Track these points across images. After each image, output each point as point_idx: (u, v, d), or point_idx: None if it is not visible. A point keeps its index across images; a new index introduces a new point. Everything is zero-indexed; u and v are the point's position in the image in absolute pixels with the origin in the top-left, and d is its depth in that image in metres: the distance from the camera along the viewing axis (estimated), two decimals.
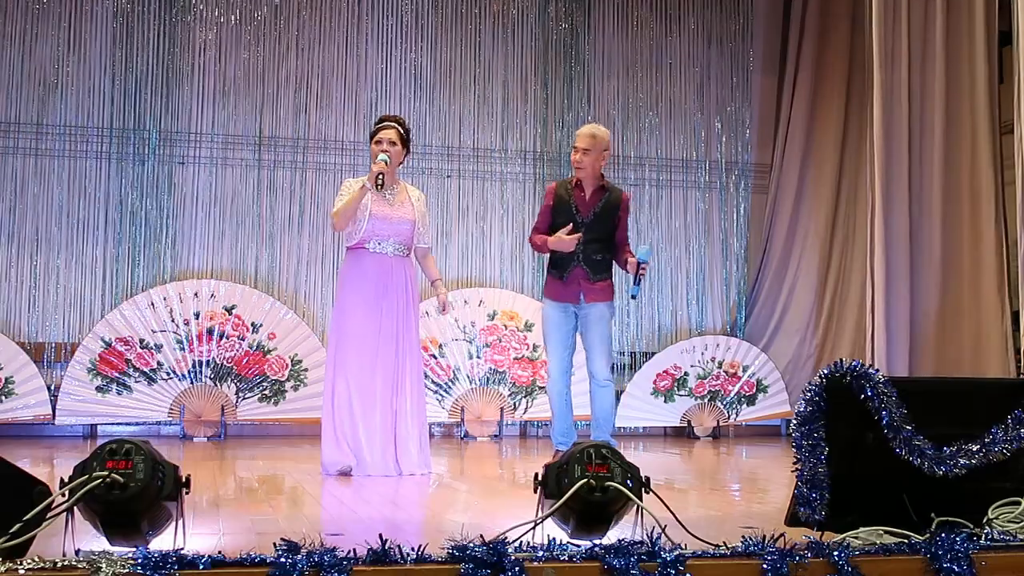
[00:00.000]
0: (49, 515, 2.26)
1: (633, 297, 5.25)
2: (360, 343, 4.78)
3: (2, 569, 2.02)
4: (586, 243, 5.17)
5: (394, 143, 4.83)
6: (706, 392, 7.96)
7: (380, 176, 4.71)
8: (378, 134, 4.86)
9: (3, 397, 6.78)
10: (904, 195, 6.14)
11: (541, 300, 5.57)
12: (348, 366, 4.78)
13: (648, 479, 2.46)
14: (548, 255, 5.35)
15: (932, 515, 2.58)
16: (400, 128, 4.90)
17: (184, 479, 2.38)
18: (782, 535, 2.32)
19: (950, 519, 2.57)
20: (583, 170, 5.23)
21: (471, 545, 2.13)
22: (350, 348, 4.79)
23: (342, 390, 4.78)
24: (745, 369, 8.02)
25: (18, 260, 7.18)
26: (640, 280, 5.12)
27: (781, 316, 8.20)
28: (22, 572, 2.01)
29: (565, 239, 5.11)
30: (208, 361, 7.11)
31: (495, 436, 7.56)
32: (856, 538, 2.45)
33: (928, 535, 2.43)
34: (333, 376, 4.82)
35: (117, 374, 6.95)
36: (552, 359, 5.27)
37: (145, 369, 7.00)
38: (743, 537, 2.33)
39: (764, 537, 2.30)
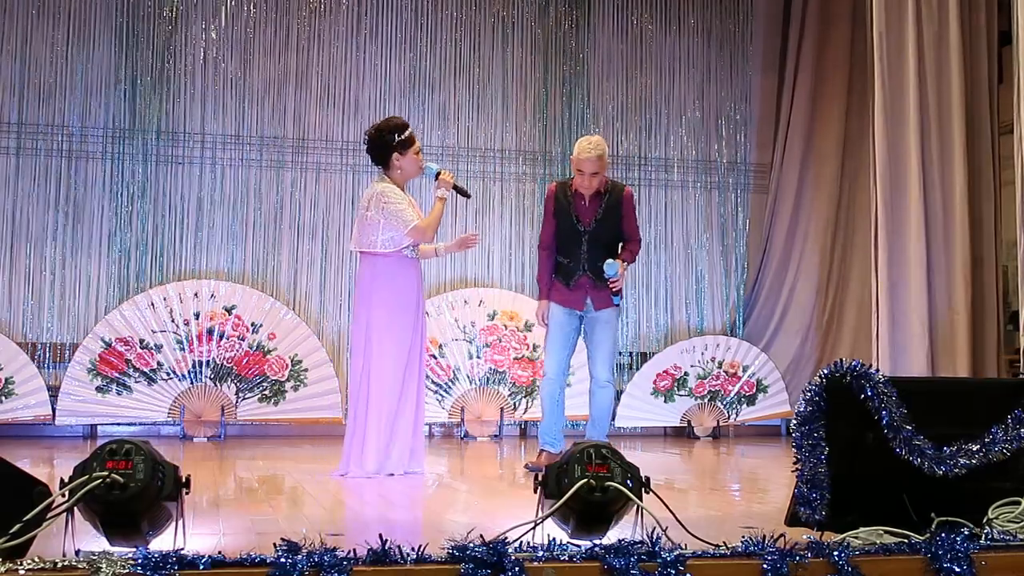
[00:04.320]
0: (49, 515, 2.26)
1: (615, 306, 5.21)
2: (407, 344, 4.83)
3: (2, 569, 2.02)
4: (590, 250, 5.10)
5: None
6: (706, 392, 7.96)
7: (457, 185, 5.12)
8: (415, 142, 4.97)
9: (3, 397, 6.78)
10: (906, 195, 6.13)
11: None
12: (407, 367, 4.81)
13: (648, 479, 2.46)
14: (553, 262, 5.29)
15: (932, 515, 2.58)
16: None
17: (184, 479, 2.38)
18: (782, 535, 2.32)
19: (950, 519, 2.56)
20: (590, 191, 5.13)
21: (471, 545, 2.13)
22: (405, 349, 4.82)
23: (401, 392, 4.80)
24: (745, 369, 8.01)
25: (18, 260, 7.17)
26: (619, 292, 5.13)
27: (781, 316, 8.19)
28: (22, 572, 2.01)
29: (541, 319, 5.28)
30: (208, 361, 7.10)
31: (495, 436, 7.56)
32: (856, 538, 2.45)
33: (928, 535, 2.43)
34: (395, 377, 4.77)
35: (117, 374, 6.95)
36: (551, 358, 5.20)
37: (145, 369, 7.00)
38: (743, 537, 2.33)
39: (764, 537, 2.30)
